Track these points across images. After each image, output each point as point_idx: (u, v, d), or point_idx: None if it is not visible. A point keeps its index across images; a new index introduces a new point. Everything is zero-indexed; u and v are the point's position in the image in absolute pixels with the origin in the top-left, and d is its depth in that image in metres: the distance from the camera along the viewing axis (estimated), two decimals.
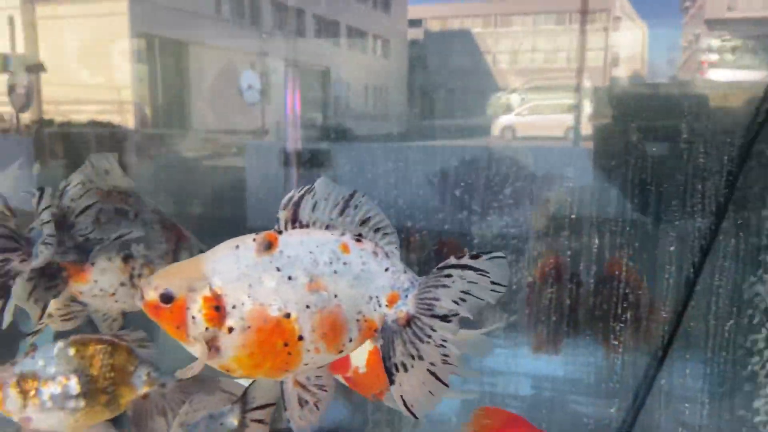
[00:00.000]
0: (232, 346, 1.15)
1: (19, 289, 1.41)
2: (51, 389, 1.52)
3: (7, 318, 1.37)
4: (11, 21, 2.53)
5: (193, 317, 1.17)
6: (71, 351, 1.54)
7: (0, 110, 2.55)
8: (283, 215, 1.14)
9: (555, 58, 3.00)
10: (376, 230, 1.15)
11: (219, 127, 2.82)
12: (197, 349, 1.20)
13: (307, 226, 1.15)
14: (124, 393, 1.58)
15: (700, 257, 1.87)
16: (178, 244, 1.64)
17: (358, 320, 1.15)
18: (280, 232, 1.16)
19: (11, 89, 2.45)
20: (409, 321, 1.13)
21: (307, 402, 1.23)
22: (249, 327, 1.14)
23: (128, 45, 2.73)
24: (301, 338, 1.13)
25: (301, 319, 1.13)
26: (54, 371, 1.54)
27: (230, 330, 1.15)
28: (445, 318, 1.09)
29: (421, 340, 1.12)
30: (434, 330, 1.10)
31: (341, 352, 1.16)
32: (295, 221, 1.15)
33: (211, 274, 1.17)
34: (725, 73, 2.27)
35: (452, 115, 2.79)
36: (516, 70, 3.00)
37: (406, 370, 1.12)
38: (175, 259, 1.58)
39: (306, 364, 1.16)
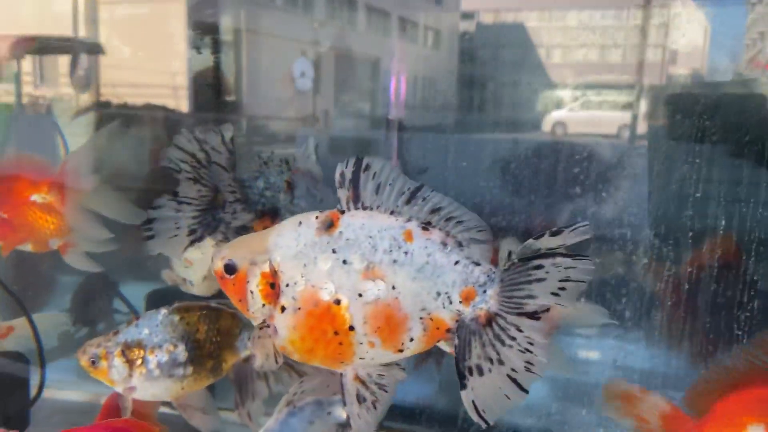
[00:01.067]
0: (285, 326, 1.09)
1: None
2: (158, 357, 1.49)
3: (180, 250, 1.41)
4: (75, 3, 2.60)
5: (251, 292, 1.12)
6: (176, 318, 1.53)
7: (62, 91, 2.63)
8: (343, 194, 1.06)
9: (610, 54, 2.93)
10: (449, 219, 1.03)
11: (270, 113, 2.85)
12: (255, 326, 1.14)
13: (371, 208, 1.05)
14: (228, 357, 1.56)
15: None
16: None
17: (422, 318, 1.03)
18: (342, 212, 1.07)
19: (72, 70, 2.52)
20: (490, 320, 1.00)
21: (365, 399, 1.11)
22: (299, 309, 1.07)
23: (184, 30, 2.77)
24: (352, 328, 1.05)
25: (352, 307, 1.04)
26: (160, 339, 1.50)
27: (282, 309, 1.09)
28: (533, 315, 0.97)
29: (503, 343, 0.99)
30: (520, 330, 0.98)
31: (401, 351, 1.05)
32: (357, 201, 1.05)
33: (273, 249, 1.10)
34: None
35: (503, 108, 2.76)
36: (569, 65, 2.95)
37: (481, 374, 1.00)
38: None
39: (362, 359, 1.07)
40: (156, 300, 2.04)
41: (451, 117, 2.94)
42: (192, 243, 1.43)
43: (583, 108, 2.84)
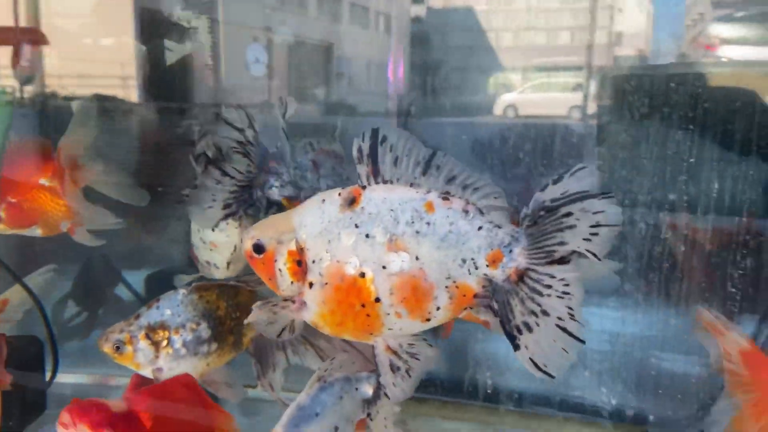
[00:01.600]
0: (314, 301, 1.13)
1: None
2: (183, 336, 1.51)
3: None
4: None
5: (280, 270, 1.17)
6: (196, 297, 1.55)
7: (3, 83, 2.54)
8: (362, 170, 1.09)
9: (558, 37, 3.00)
10: (465, 187, 1.06)
11: (224, 100, 2.81)
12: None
13: (391, 182, 1.08)
14: (248, 332, 1.59)
15: None
16: None
17: (447, 287, 1.06)
18: (364, 187, 1.10)
19: (15, 62, 2.43)
20: (522, 276, 1.02)
21: (398, 368, 1.14)
22: (327, 284, 1.11)
23: (131, 18, 2.70)
24: (378, 300, 1.08)
25: (377, 279, 1.07)
26: (183, 318, 1.52)
27: (311, 285, 1.13)
28: (563, 260, 0.98)
29: (541, 294, 1.00)
30: (553, 277, 0.99)
31: (428, 320, 1.09)
32: (377, 175, 1.08)
33: (298, 227, 1.14)
34: (729, 52, 2.28)
35: (455, 92, 2.79)
36: (519, 48, 3.00)
37: (530, 330, 1.01)
38: None
39: (390, 329, 1.11)
40: (155, 282, 2.05)
41: (405, 101, 2.96)
42: (226, 217, 1.46)
43: (534, 90, 2.90)
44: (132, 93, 2.76)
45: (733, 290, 1.93)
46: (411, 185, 1.07)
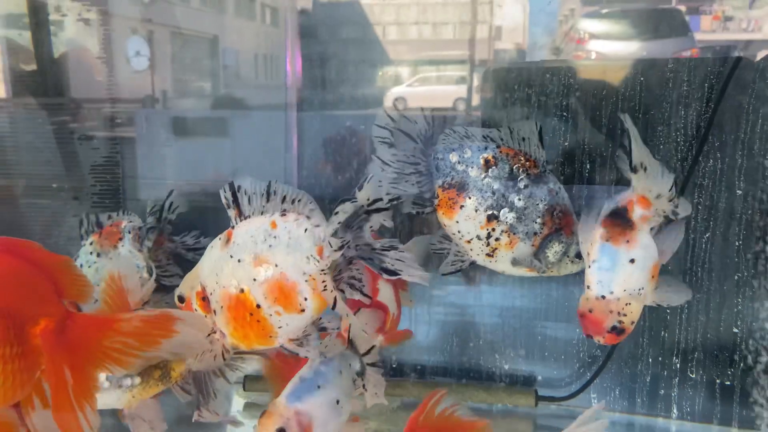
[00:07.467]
0: (221, 325, 1.42)
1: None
2: None
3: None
4: None
5: (196, 309, 1.46)
6: None
7: None
8: (231, 213, 1.40)
9: (442, 31, 3.09)
10: (293, 201, 1.36)
11: (102, 95, 2.68)
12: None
13: (249, 216, 1.39)
14: (175, 366, 1.69)
15: None
16: (557, 230, 1.57)
17: (306, 280, 1.34)
18: (233, 227, 1.41)
19: None
20: (336, 264, 1.32)
21: (302, 344, 1.46)
22: (222, 307, 1.39)
23: None
24: (259, 306, 1.36)
25: (253, 291, 1.36)
26: None
27: (214, 312, 1.41)
28: (341, 247, 1.30)
29: (342, 272, 1.34)
30: (350, 264, 1.33)
31: (303, 311, 1.38)
32: (241, 215, 1.39)
33: (201, 272, 1.45)
34: (598, 46, 2.46)
35: (345, 85, 2.82)
36: (405, 41, 3.07)
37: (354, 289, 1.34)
38: (542, 245, 1.57)
39: (281, 327, 1.38)
40: None
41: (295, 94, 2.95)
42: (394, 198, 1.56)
43: (421, 83, 2.98)
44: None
45: None
46: (262, 213, 1.38)
